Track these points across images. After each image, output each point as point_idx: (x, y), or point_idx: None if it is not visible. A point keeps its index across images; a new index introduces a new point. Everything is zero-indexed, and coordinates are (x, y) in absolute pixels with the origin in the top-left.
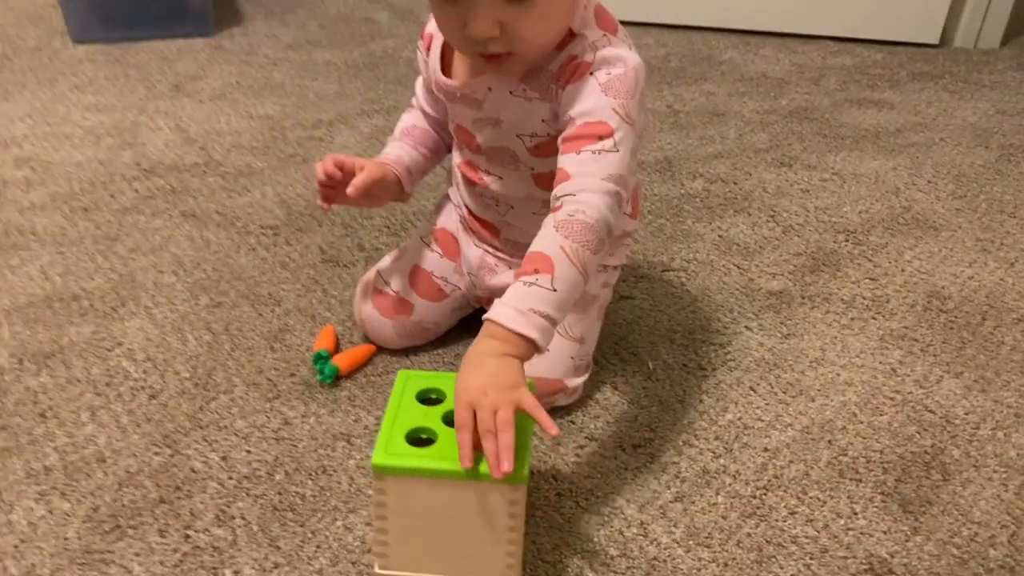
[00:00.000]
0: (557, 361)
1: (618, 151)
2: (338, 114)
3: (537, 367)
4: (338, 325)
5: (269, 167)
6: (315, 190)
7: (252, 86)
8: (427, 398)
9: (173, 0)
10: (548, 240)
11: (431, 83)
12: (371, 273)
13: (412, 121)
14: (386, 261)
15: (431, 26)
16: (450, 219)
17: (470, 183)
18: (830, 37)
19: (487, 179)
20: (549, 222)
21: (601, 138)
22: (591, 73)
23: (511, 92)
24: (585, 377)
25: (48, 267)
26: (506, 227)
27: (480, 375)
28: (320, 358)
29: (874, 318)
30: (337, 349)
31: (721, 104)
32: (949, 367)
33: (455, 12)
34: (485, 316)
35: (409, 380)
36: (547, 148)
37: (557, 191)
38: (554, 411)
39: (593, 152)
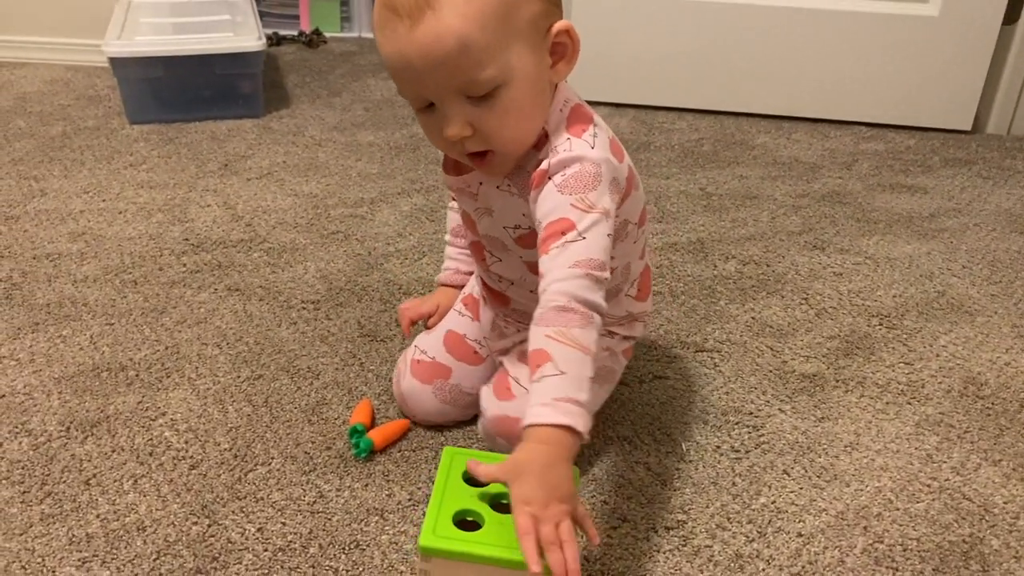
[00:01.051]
0: None
1: (584, 239)
2: (380, 193)
3: (518, 408)
4: (374, 399)
5: (312, 243)
6: (358, 270)
7: (298, 165)
8: (473, 478)
9: (225, 84)
10: (534, 337)
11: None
12: (408, 349)
13: (456, 220)
14: (422, 334)
15: None
16: (475, 287)
17: (479, 260)
18: (862, 123)
19: (489, 260)
20: (536, 318)
21: (564, 233)
22: (549, 178)
23: (497, 187)
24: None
25: (98, 337)
26: (512, 300)
27: (538, 488)
28: (356, 432)
29: (909, 403)
30: (373, 423)
31: (754, 187)
32: (987, 454)
33: (433, 120)
34: (522, 426)
35: (455, 458)
36: (530, 240)
37: (539, 291)
38: (583, 491)
39: (558, 247)
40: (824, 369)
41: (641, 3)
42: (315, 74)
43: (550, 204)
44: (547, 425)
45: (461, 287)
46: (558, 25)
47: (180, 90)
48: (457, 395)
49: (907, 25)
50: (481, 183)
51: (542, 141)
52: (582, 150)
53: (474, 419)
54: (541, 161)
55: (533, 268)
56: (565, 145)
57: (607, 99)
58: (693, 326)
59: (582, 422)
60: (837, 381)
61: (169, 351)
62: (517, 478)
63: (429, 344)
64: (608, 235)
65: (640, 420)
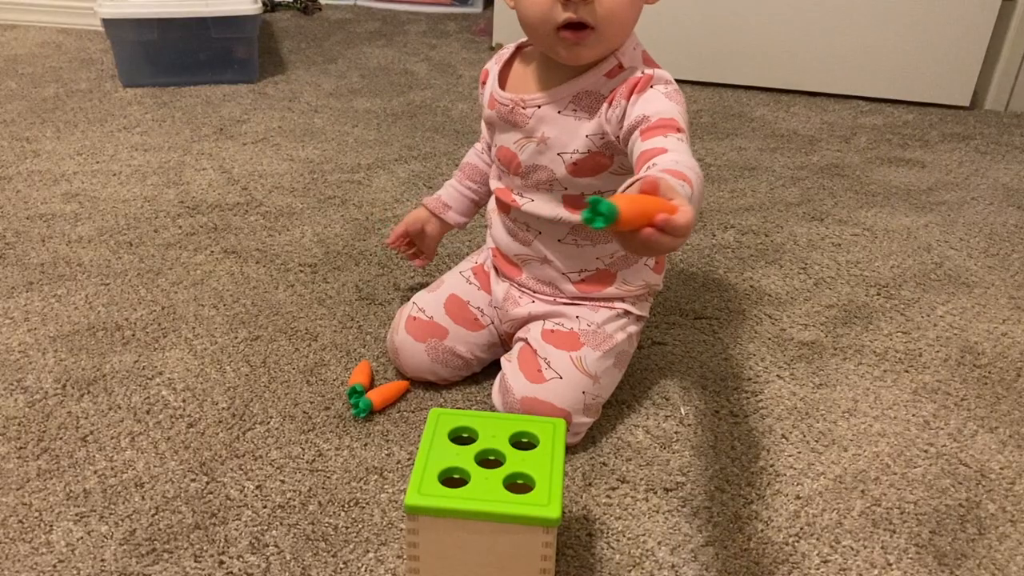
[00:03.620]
0: (570, 388)
1: (687, 147)
2: (376, 159)
3: (550, 392)
4: (373, 361)
5: (308, 208)
6: (356, 234)
7: (294, 131)
8: (459, 437)
9: (220, 48)
10: (682, 164)
11: (485, 109)
12: (407, 304)
13: (467, 159)
14: (422, 292)
15: (487, 64)
16: (485, 261)
17: (504, 208)
18: (861, 97)
19: (520, 201)
20: (669, 163)
21: (679, 130)
22: (652, 86)
23: (559, 112)
24: (592, 420)
25: (93, 297)
26: (528, 263)
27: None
28: (355, 392)
29: (907, 371)
30: (372, 384)
31: (752, 159)
32: (983, 422)
33: None
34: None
35: (441, 418)
36: (585, 165)
37: (657, 160)
38: (582, 453)
39: (678, 139)
40: (822, 337)
41: None
42: (310, 40)
43: (662, 106)
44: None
45: (439, 218)
46: None
47: (174, 53)
48: (449, 357)
49: None
50: (540, 106)
51: (616, 71)
52: (673, 82)
53: (468, 380)
54: (625, 80)
55: (570, 203)
56: (650, 71)
57: None
58: (692, 294)
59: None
60: (835, 349)
61: (165, 311)
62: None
63: (428, 303)
64: None
65: (640, 385)
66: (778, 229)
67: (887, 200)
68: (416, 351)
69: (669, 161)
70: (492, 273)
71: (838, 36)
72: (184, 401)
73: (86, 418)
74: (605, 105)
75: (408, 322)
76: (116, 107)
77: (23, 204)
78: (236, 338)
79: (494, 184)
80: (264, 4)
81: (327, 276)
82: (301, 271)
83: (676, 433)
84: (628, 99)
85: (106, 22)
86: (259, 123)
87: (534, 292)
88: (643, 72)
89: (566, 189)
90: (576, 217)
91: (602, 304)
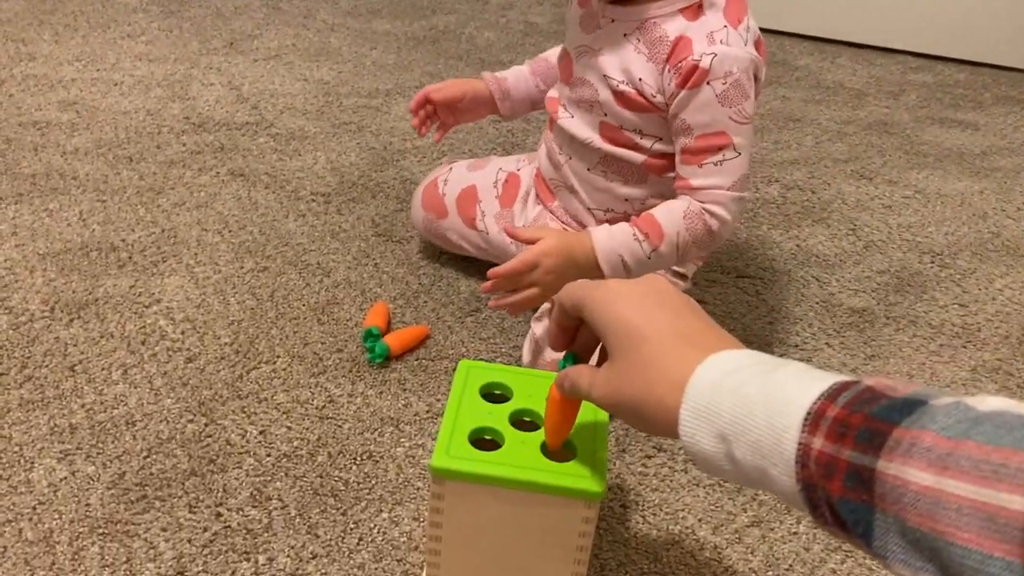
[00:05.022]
0: None
1: (739, 155)
2: (396, 84)
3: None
4: (389, 303)
5: (322, 132)
6: (372, 164)
7: (308, 49)
8: (491, 394)
9: None
10: (673, 220)
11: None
12: (444, 167)
13: (546, 54)
14: (462, 163)
15: None
16: (526, 171)
17: (549, 121)
18: (910, 52)
19: (563, 114)
20: (683, 204)
21: (721, 149)
22: (708, 83)
23: (625, 34)
24: None
25: (88, 214)
26: (559, 190)
27: (558, 261)
28: (371, 336)
29: (964, 347)
30: (388, 328)
31: (797, 110)
32: None
33: None
34: (591, 228)
35: (472, 372)
36: (628, 100)
37: (687, 190)
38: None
39: (715, 164)
40: (874, 305)
41: None
42: None
43: (709, 115)
44: (595, 257)
45: (487, 95)
46: None
47: None
48: (440, 237)
49: None
50: (613, 20)
51: (695, 12)
52: (737, 50)
53: (496, 331)
54: (686, 39)
55: (606, 131)
56: (721, 33)
57: None
58: (734, 251)
59: (614, 274)
60: (888, 319)
61: (166, 234)
62: (551, 242)
63: (454, 180)
64: (752, 142)
65: None
66: (825, 186)
67: (939, 163)
68: (417, 212)
69: (661, 209)
70: (532, 195)
71: None
72: (183, 333)
73: (75, 345)
74: (664, 60)
75: (428, 186)
76: (120, 13)
77: (15, 110)
78: (242, 268)
79: (550, 92)
80: None
81: (341, 208)
82: (313, 200)
83: None
84: (681, 87)
85: None
86: (272, 39)
87: (564, 225)
88: (707, 39)
89: (605, 115)
90: (609, 147)
91: None
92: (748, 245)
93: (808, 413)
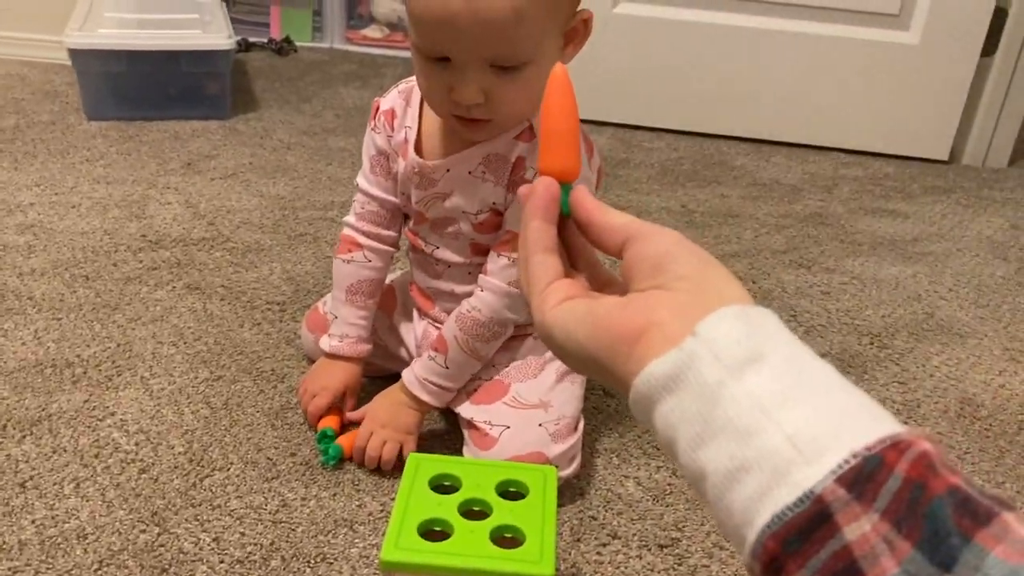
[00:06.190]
0: (522, 430)
1: None
2: (351, 196)
3: (508, 446)
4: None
5: (278, 244)
6: (327, 272)
7: (265, 167)
8: (441, 485)
9: (191, 83)
10: (448, 327)
11: (391, 157)
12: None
13: (352, 275)
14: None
15: (388, 101)
16: (399, 282)
17: (414, 247)
18: (841, 149)
19: (427, 247)
20: (456, 312)
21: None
22: None
23: (469, 172)
24: (570, 443)
25: (43, 332)
26: (439, 295)
27: (386, 412)
28: (325, 437)
29: (905, 422)
30: (342, 429)
31: (735, 207)
32: (990, 476)
33: (442, 74)
34: (403, 372)
35: (421, 465)
36: (489, 225)
37: (478, 281)
38: (569, 505)
39: (508, 259)
40: None
41: (621, 21)
42: (285, 80)
43: (518, 217)
44: (410, 392)
45: (360, 360)
46: (585, 13)
47: (143, 87)
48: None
49: (887, 53)
50: (449, 169)
51: (527, 135)
52: None
53: (451, 423)
54: (523, 158)
55: (478, 250)
56: None
57: (586, 116)
58: None
59: (439, 399)
60: None
61: (121, 348)
62: (375, 404)
63: (330, 300)
64: None
65: (628, 432)
66: (765, 276)
67: (873, 249)
68: (308, 339)
69: (445, 324)
70: (414, 311)
71: (818, 87)
72: (137, 444)
73: (26, 462)
74: (507, 178)
75: (310, 313)
76: (79, 139)
77: None
78: (196, 378)
79: (410, 231)
80: (238, 44)
81: (296, 315)
82: (269, 309)
83: (670, 485)
84: (509, 195)
85: (73, 52)
86: (229, 159)
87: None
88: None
89: (473, 240)
90: (484, 259)
91: (513, 335)
92: None
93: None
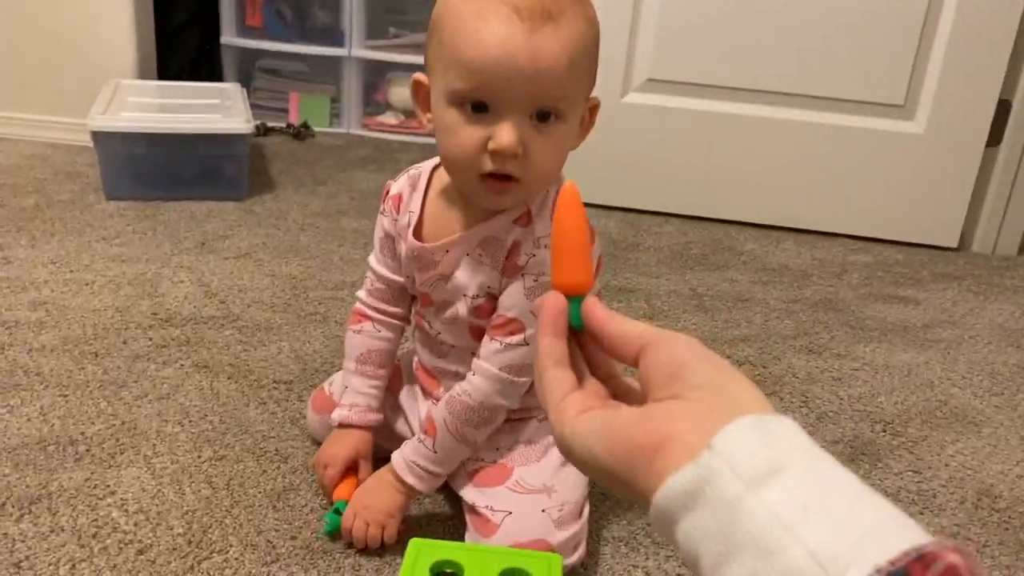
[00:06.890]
0: (524, 516)
1: (527, 345)
2: (362, 276)
3: (511, 532)
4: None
5: (288, 323)
6: (336, 351)
7: (278, 247)
8: (442, 572)
9: (209, 165)
10: (439, 410)
11: (397, 241)
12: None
13: (362, 344)
14: (338, 374)
15: (398, 186)
16: (404, 360)
17: (418, 326)
18: (850, 235)
19: (430, 330)
20: (447, 395)
21: (512, 333)
22: (523, 275)
23: (468, 254)
24: (573, 530)
25: (48, 409)
26: (444, 375)
27: (370, 493)
28: (338, 512)
29: (922, 513)
30: None
31: (745, 291)
32: (1011, 571)
33: (478, 125)
34: (393, 453)
35: (422, 551)
36: (484, 310)
37: (472, 362)
38: None
39: (500, 344)
40: None
41: (630, 110)
42: (301, 164)
43: (512, 301)
44: (398, 476)
45: (370, 428)
46: (593, 100)
47: (162, 169)
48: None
49: (893, 142)
50: (448, 251)
51: (524, 220)
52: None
53: (453, 506)
54: (519, 243)
55: (476, 334)
56: (546, 239)
57: (595, 201)
58: None
59: (426, 485)
60: None
61: (126, 426)
62: (365, 483)
63: (337, 381)
64: None
65: (636, 520)
66: (775, 361)
67: (884, 336)
68: (313, 420)
69: (435, 407)
70: (418, 391)
71: (827, 174)
72: (136, 525)
73: (23, 541)
74: (503, 258)
75: (316, 393)
76: (96, 218)
77: None
78: (199, 457)
79: (416, 316)
80: (257, 128)
81: (303, 394)
82: (275, 388)
83: (680, 575)
84: (503, 280)
85: (95, 134)
86: (243, 239)
87: None
88: (534, 243)
89: (470, 324)
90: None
91: (518, 418)
92: None
93: None
